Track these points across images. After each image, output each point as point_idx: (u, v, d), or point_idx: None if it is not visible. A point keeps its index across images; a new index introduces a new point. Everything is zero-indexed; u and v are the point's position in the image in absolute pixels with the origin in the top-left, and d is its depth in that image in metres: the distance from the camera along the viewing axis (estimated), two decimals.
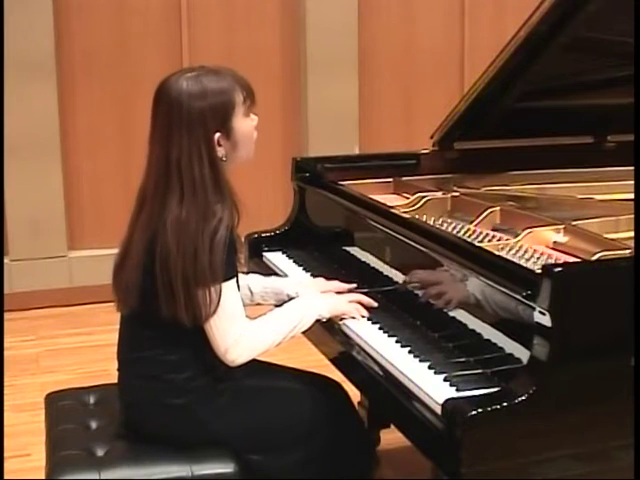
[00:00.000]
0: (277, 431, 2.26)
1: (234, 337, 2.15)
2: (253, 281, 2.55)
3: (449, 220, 2.56)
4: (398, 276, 2.44)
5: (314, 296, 2.41)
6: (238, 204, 2.22)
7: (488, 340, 2.03)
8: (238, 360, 2.18)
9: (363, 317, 2.33)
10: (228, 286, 2.13)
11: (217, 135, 2.14)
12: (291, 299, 2.43)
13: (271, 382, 2.35)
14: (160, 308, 2.12)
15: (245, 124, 2.20)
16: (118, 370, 2.33)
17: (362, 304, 2.37)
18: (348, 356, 2.29)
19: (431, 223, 2.51)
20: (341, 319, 2.34)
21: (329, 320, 2.36)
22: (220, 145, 2.16)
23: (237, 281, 2.22)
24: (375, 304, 2.38)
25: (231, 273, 2.15)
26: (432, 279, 2.26)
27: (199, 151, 2.11)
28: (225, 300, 2.12)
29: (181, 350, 2.20)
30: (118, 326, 2.32)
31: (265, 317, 2.29)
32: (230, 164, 2.23)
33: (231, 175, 2.26)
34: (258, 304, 2.54)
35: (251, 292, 2.53)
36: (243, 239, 2.95)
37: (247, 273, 2.65)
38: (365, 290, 2.47)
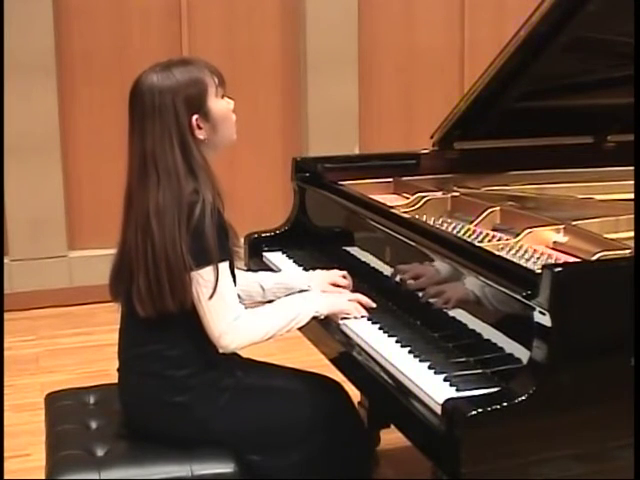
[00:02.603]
0: (277, 431, 2.26)
1: (227, 322, 2.16)
2: (264, 278, 2.56)
3: (449, 220, 2.56)
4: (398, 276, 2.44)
5: (314, 293, 2.42)
6: (220, 189, 2.22)
7: (488, 340, 2.03)
8: (231, 346, 2.19)
9: (363, 317, 2.34)
10: (208, 271, 2.14)
11: (195, 117, 2.18)
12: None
13: (271, 382, 2.35)
14: (152, 296, 2.14)
15: (220, 104, 2.24)
16: (118, 370, 2.33)
17: (361, 304, 2.37)
18: (348, 356, 2.29)
19: (431, 223, 2.51)
20: (342, 318, 2.34)
21: (327, 319, 2.36)
22: (200, 128, 2.19)
23: (232, 267, 2.23)
24: (374, 304, 2.38)
25: (220, 257, 2.15)
26: (432, 279, 2.26)
27: (170, 137, 2.15)
28: (212, 286, 2.13)
29: (181, 346, 2.21)
30: (118, 326, 2.33)
31: (263, 307, 2.32)
32: (215, 148, 2.26)
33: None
34: (270, 301, 2.54)
35: (263, 289, 2.53)
36: (243, 239, 2.96)
37: (256, 271, 2.66)
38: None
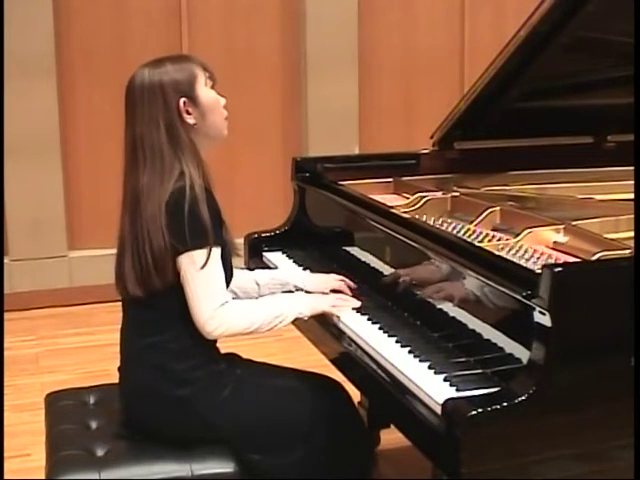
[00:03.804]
0: (277, 429, 2.26)
1: (213, 307, 2.17)
2: (259, 274, 2.59)
3: (449, 220, 2.56)
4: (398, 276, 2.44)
5: (300, 294, 2.45)
6: (208, 176, 2.26)
7: (488, 340, 2.03)
8: (215, 332, 2.19)
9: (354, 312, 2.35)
10: (203, 253, 2.15)
11: (183, 100, 2.22)
12: (297, 289, 2.49)
13: (272, 380, 2.35)
14: (137, 274, 2.18)
15: (209, 93, 2.28)
16: (119, 368, 2.34)
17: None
18: (348, 356, 2.29)
19: (431, 223, 2.51)
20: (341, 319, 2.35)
21: (324, 317, 2.37)
22: (189, 113, 2.23)
23: (229, 259, 2.26)
24: (359, 303, 2.38)
25: (208, 240, 2.16)
26: (432, 279, 2.26)
27: (157, 118, 2.20)
28: (201, 268, 2.15)
29: (183, 338, 2.21)
30: (118, 326, 2.33)
31: (251, 300, 2.36)
32: (207, 137, 2.29)
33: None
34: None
35: (258, 285, 2.55)
36: (243, 239, 2.96)
37: (253, 269, 2.67)
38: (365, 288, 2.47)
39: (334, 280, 2.53)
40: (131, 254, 2.20)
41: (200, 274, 2.15)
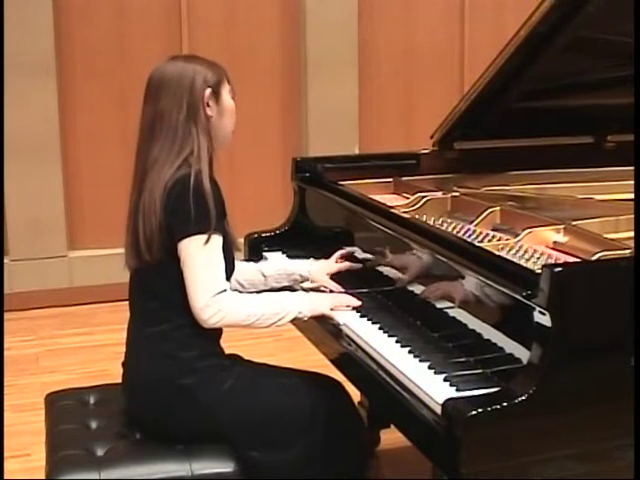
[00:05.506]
0: (277, 425, 2.26)
1: (211, 294, 2.17)
2: (265, 266, 2.61)
3: (449, 220, 2.56)
4: (398, 276, 2.44)
5: (301, 293, 2.45)
6: (213, 166, 2.28)
7: (488, 340, 2.03)
8: (211, 320, 2.18)
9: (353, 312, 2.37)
10: (203, 239, 2.16)
11: (208, 90, 2.26)
12: (303, 279, 2.54)
13: (273, 378, 2.36)
14: (131, 246, 2.23)
15: (230, 100, 2.33)
16: (123, 364, 2.35)
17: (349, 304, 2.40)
18: (348, 356, 2.29)
19: (431, 223, 2.51)
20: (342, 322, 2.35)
21: (324, 318, 2.37)
22: (209, 106, 2.27)
23: (231, 250, 2.28)
24: (359, 303, 2.39)
25: (215, 228, 2.17)
26: (432, 279, 2.26)
27: (181, 101, 2.24)
28: (201, 252, 2.16)
29: (188, 327, 2.22)
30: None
31: (253, 294, 2.39)
32: (216, 137, 2.31)
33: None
34: (271, 289, 2.56)
35: (264, 276, 2.57)
36: (243, 239, 2.96)
37: (258, 261, 2.68)
38: (365, 290, 2.48)
39: (337, 259, 2.57)
40: (131, 225, 2.24)
41: (199, 260, 2.16)
